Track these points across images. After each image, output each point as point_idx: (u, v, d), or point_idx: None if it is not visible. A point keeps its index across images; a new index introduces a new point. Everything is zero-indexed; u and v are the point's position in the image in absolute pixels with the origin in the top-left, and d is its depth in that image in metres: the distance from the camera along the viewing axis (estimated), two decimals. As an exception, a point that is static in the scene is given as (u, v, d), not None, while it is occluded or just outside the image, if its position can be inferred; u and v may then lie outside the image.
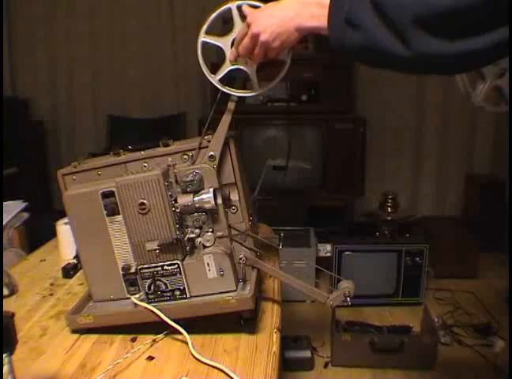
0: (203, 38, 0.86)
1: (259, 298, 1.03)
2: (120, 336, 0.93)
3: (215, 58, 0.89)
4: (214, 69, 0.88)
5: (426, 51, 0.64)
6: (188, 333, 0.89)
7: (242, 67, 0.87)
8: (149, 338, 0.92)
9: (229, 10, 0.86)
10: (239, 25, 0.86)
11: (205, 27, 0.86)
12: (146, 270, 0.92)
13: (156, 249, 0.91)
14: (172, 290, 0.93)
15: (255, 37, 0.82)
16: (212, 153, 0.90)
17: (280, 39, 0.80)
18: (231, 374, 0.79)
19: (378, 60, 0.72)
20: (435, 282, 2.72)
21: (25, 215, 1.98)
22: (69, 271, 1.23)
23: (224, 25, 0.89)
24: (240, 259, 0.95)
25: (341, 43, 0.72)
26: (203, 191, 0.90)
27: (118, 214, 0.91)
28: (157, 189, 0.88)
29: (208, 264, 0.91)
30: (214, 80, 0.88)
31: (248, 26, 0.83)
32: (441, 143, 3.47)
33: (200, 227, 0.92)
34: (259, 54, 0.84)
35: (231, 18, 0.86)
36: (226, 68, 0.88)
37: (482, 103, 0.88)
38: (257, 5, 0.85)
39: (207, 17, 0.86)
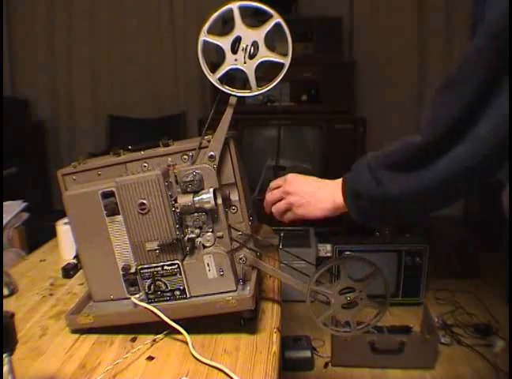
0: (204, 37, 0.86)
1: (259, 298, 1.03)
2: (120, 336, 0.93)
3: (215, 57, 0.89)
4: (214, 69, 0.88)
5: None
6: (188, 333, 0.89)
7: (241, 67, 0.87)
8: (149, 338, 0.91)
9: (230, 11, 0.86)
10: (239, 26, 0.86)
11: (206, 26, 0.86)
12: (146, 270, 0.92)
13: (156, 249, 0.91)
14: (172, 290, 0.93)
15: (285, 194, 0.92)
16: (212, 153, 0.90)
17: (306, 208, 0.90)
18: (231, 374, 0.79)
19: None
20: (435, 282, 2.72)
21: (25, 215, 1.98)
22: (69, 271, 1.23)
23: (224, 26, 0.89)
24: (240, 259, 0.95)
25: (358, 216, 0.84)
26: (203, 191, 0.90)
27: (118, 214, 0.91)
28: (157, 189, 0.88)
29: (208, 264, 0.91)
30: (213, 79, 0.88)
31: (285, 180, 0.93)
32: (441, 143, 3.46)
33: (200, 227, 0.92)
34: (281, 209, 0.93)
35: (232, 19, 0.86)
36: (225, 67, 0.88)
37: (322, 326, 0.95)
38: (257, 6, 0.85)
39: (208, 17, 0.86)
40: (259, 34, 0.85)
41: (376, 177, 0.76)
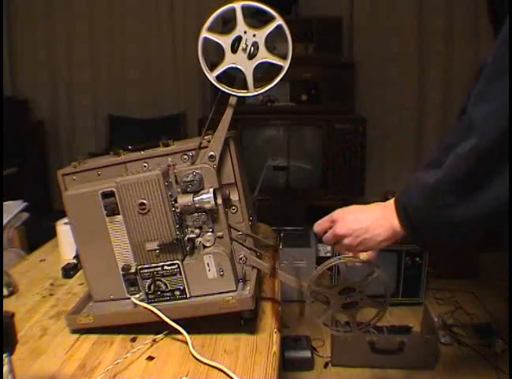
0: (205, 34, 0.86)
1: (259, 298, 1.03)
2: (120, 336, 0.93)
3: (215, 57, 0.89)
4: (213, 68, 0.88)
5: None
6: (188, 333, 0.89)
7: (240, 67, 0.87)
8: (149, 338, 0.92)
9: (232, 10, 0.85)
10: (241, 25, 0.86)
11: (207, 23, 0.86)
12: (146, 270, 0.92)
13: (156, 249, 0.91)
14: (172, 290, 0.93)
15: (338, 237, 0.86)
16: (212, 153, 0.90)
17: (365, 244, 0.85)
18: (231, 374, 0.79)
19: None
20: (435, 282, 2.72)
21: (25, 215, 1.99)
22: (69, 271, 1.23)
23: (224, 25, 0.88)
24: (240, 259, 0.95)
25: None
26: (203, 191, 0.90)
27: (118, 214, 0.91)
28: (157, 189, 0.88)
29: (208, 265, 0.91)
30: (211, 76, 0.88)
31: (332, 221, 0.87)
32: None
33: (200, 227, 0.92)
34: (342, 249, 0.89)
35: (234, 18, 0.86)
36: (224, 66, 0.88)
37: (322, 326, 0.94)
38: (260, 7, 0.85)
39: (210, 14, 0.86)
40: (260, 35, 0.85)
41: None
